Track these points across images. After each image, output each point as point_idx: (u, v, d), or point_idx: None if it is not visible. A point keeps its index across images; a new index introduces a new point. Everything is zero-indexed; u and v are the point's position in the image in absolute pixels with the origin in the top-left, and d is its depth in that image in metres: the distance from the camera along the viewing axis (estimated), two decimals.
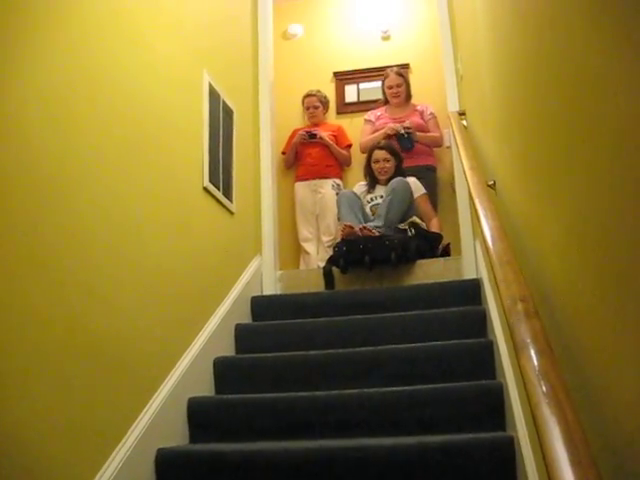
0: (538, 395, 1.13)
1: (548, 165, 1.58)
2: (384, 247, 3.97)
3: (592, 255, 1.21)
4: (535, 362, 1.23)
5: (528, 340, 1.30)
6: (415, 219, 4.27)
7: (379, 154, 4.60)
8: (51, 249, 1.97)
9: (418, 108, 5.27)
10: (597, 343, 1.21)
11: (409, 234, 4.12)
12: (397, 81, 5.26)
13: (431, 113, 5.21)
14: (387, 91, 5.30)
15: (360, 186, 4.68)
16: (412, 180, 4.55)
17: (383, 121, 5.22)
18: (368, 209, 4.51)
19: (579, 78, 1.22)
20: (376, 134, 5.16)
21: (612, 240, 1.09)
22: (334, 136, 5.38)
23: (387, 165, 4.56)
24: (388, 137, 5.01)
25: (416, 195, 4.49)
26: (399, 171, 4.58)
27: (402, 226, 4.19)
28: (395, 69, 5.33)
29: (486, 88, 2.79)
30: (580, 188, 1.27)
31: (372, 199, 4.54)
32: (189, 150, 3.20)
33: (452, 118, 3.85)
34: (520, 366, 1.27)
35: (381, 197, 4.45)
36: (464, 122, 3.80)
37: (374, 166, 4.60)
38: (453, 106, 4.20)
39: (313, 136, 5.29)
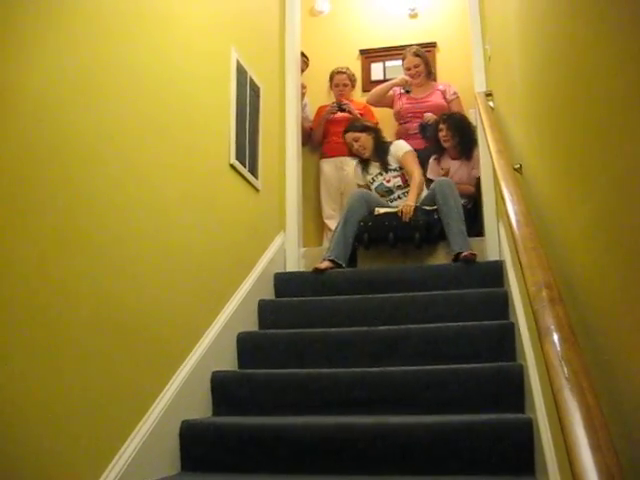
0: (560, 380, 1.16)
1: (579, 150, 1.58)
2: (408, 227, 3.97)
3: (620, 244, 1.22)
4: (558, 348, 1.25)
5: (552, 326, 1.32)
6: None
7: (349, 137, 4.55)
8: (81, 228, 2.01)
9: (440, 87, 5.21)
10: (620, 331, 1.23)
11: (434, 216, 4.04)
12: (414, 62, 5.19)
13: (454, 93, 5.14)
14: (406, 72, 5.24)
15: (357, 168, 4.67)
16: (398, 142, 4.52)
17: (403, 101, 5.20)
18: (373, 190, 4.46)
19: (616, 61, 1.21)
20: (385, 84, 5.32)
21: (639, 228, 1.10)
22: (361, 114, 5.37)
23: (356, 144, 4.48)
24: (397, 86, 5.22)
25: (401, 154, 4.39)
26: (379, 143, 4.50)
27: (429, 207, 4.10)
28: (413, 49, 5.24)
29: (515, 70, 2.78)
30: (611, 175, 1.27)
31: (373, 180, 4.48)
32: (216, 127, 3.23)
33: (479, 99, 3.83)
34: (543, 351, 1.29)
35: (380, 175, 4.43)
36: (491, 103, 3.78)
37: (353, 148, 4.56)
38: (480, 86, 4.18)
39: (342, 109, 5.29)
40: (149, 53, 2.53)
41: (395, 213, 4.06)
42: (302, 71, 5.17)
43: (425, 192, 4.26)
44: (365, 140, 4.47)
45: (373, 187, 4.47)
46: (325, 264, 3.84)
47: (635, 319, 1.13)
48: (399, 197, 4.35)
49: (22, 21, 1.79)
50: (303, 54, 5.12)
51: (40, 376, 1.78)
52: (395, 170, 4.41)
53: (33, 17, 1.84)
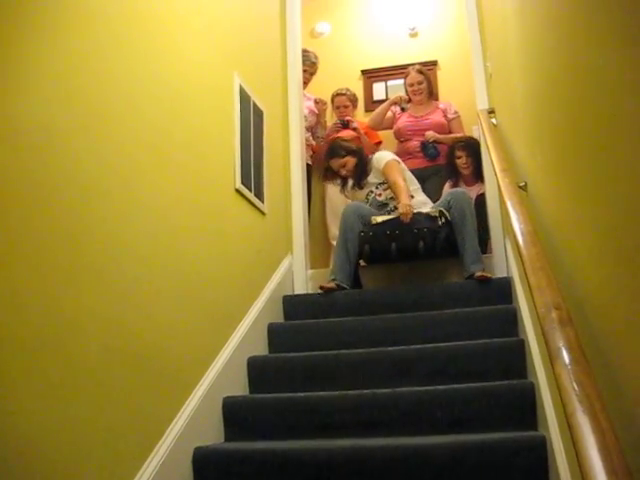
0: (573, 403, 1.16)
1: (585, 168, 1.58)
2: (412, 235, 3.88)
3: (629, 264, 1.22)
4: (570, 370, 1.25)
5: (563, 348, 1.32)
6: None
7: (335, 164, 4.46)
8: (87, 257, 2.02)
9: (441, 106, 5.26)
10: (631, 352, 1.23)
11: (439, 223, 3.95)
12: (417, 78, 5.23)
13: (455, 112, 5.18)
14: (408, 89, 5.28)
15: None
16: (380, 154, 4.42)
17: (404, 119, 5.23)
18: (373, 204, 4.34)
19: (621, 79, 1.23)
20: (382, 105, 5.39)
21: None
22: (365, 133, 5.38)
23: (345, 169, 4.42)
24: (394, 104, 5.28)
25: (382, 165, 4.27)
26: (361, 164, 4.39)
27: (432, 213, 4.00)
28: (416, 67, 5.31)
29: (517, 87, 2.79)
30: (619, 194, 1.27)
31: (367, 197, 4.38)
32: (221, 152, 3.25)
33: (481, 116, 3.85)
34: (555, 374, 1.29)
35: (371, 192, 4.35)
36: (493, 120, 3.80)
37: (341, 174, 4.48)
38: (482, 104, 4.19)
39: (346, 124, 5.31)
40: (151, 81, 2.54)
41: (395, 220, 3.94)
42: (324, 111, 5.30)
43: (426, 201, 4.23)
44: (352, 163, 4.39)
45: (368, 203, 4.35)
46: (331, 284, 3.84)
47: None
48: (395, 208, 4.16)
49: (20, 50, 1.80)
50: (321, 99, 5.23)
51: (54, 408, 1.79)
52: (383, 184, 4.31)
53: (30, 45, 1.85)
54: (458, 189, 4.21)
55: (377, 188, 4.33)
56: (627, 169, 1.20)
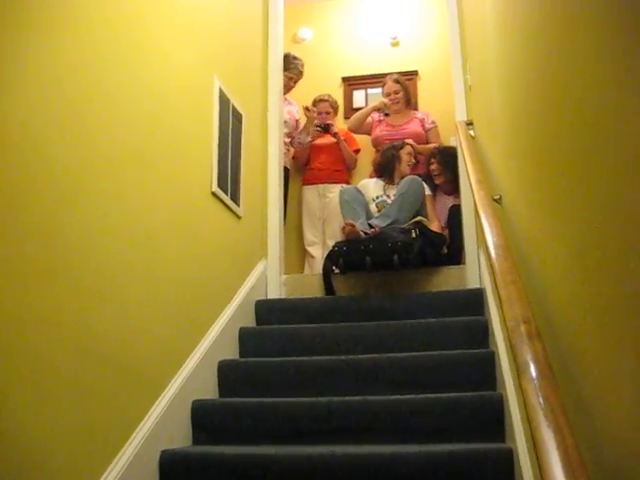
0: (538, 418, 1.17)
1: (555, 184, 1.60)
2: (386, 249, 3.90)
3: (596, 280, 1.24)
4: (536, 384, 1.26)
5: (530, 362, 1.33)
6: (420, 218, 4.19)
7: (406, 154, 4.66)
8: (63, 259, 2.01)
9: (418, 116, 5.28)
10: (596, 367, 1.24)
11: (413, 235, 4.01)
12: (394, 88, 5.27)
13: (432, 122, 5.22)
14: (385, 98, 5.33)
15: (368, 182, 4.71)
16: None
17: (382, 128, 5.25)
18: (374, 206, 4.50)
19: (591, 97, 1.24)
20: (365, 109, 5.42)
21: (615, 264, 1.12)
22: (344, 139, 5.39)
23: (410, 160, 4.65)
24: (377, 110, 5.31)
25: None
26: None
27: (406, 226, 4.07)
28: (394, 76, 5.34)
29: (494, 100, 2.81)
30: (586, 210, 1.29)
31: (378, 197, 4.54)
32: (198, 155, 3.23)
33: (459, 128, 3.87)
34: (521, 387, 1.30)
35: (387, 195, 4.49)
36: (471, 132, 3.82)
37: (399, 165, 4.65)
38: (461, 115, 4.21)
39: (326, 128, 5.31)
40: (131, 82, 2.53)
41: (371, 236, 4.01)
42: (313, 119, 5.29)
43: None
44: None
45: (375, 202, 4.52)
46: (353, 229, 3.99)
47: (611, 354, 1.14)
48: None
49: (1, 51, 1.79)
50: (311, 107, 5.26)
51: (18, 405, 1.77)
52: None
53: (12, 46, 1.84)
54: (412, 177, 4.40)
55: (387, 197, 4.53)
56: (599, 186, 1.21)
